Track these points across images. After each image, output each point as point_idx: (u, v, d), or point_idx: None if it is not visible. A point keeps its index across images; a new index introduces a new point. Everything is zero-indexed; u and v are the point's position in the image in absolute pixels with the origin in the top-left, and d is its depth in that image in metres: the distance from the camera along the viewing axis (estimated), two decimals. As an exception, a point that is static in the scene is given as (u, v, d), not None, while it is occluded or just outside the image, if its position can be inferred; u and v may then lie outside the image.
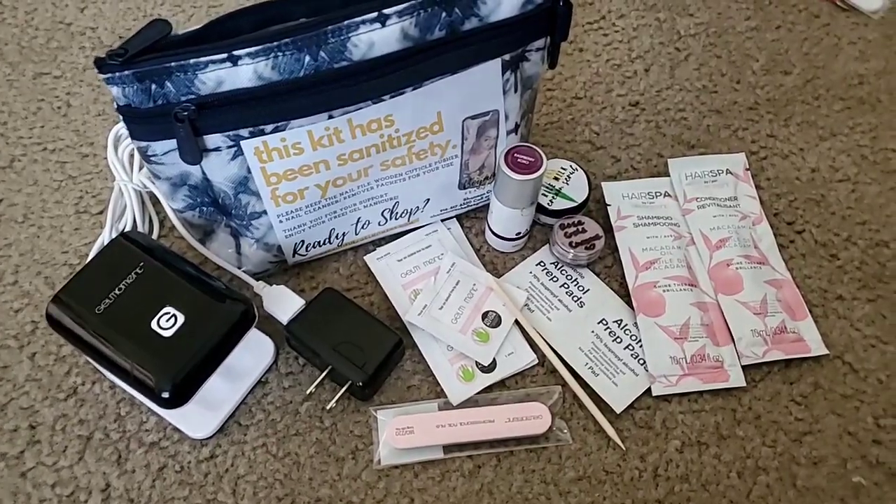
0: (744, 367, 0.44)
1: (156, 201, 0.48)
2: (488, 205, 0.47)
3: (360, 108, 0.37)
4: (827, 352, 0.45)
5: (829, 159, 0.54)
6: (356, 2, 0.37)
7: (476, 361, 0.43)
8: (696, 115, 0.56)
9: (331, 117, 0.37)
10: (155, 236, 0.47)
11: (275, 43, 0.34)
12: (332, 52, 0.35)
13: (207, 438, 0.40)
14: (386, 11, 0.35)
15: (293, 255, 0.44)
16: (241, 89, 0.34)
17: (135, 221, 0.46)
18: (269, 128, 0.36)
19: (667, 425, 0.42)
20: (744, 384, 0.43)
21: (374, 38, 0.35)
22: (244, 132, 0.36)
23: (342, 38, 0.35)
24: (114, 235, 0.46)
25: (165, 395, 0.35)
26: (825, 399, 0.44)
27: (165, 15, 0.59)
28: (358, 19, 0.35)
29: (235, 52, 0.34)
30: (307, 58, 0.35)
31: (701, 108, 0.56)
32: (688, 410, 0.43)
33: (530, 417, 0.41)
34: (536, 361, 0.43)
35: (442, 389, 0.42)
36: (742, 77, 0.58)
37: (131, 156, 0.46)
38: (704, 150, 0.54)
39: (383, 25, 0.35)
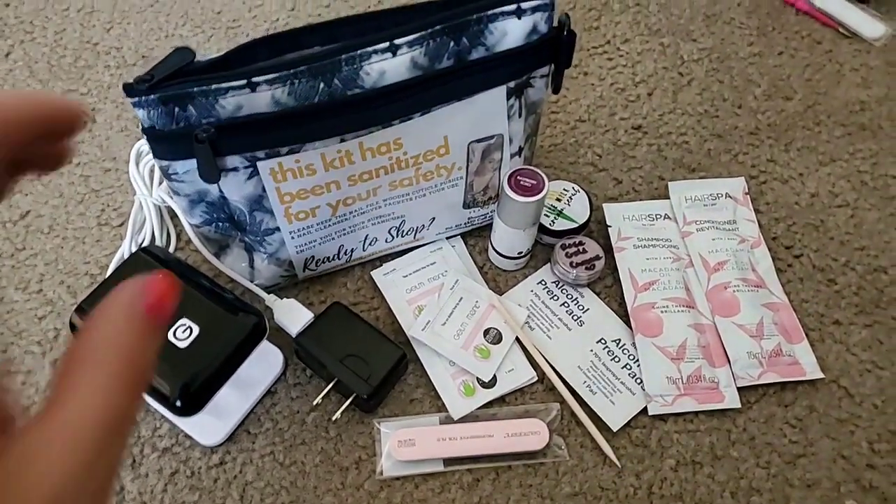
0: (739, 389, 0.45)
1: (174, 216, 0.50)
2: (492, 223, 0.48)
3: (371, 132, 0.39)
4: (822, 376, 0.45)
5: (829, 184, 0.55)
6: (368, 32, 0.39)
7: (477, 377, 0.44)
8: (697, 139, 0.57)
9: (342, 140, 0.39)
10: (172, 249, 0.49)
11: (291, 70, 0.35)
12: (345, 80, 0.37)
13: (218, 445, 0.42)
14: (397, 42, 0.37)
15: (304, 270, 0.46)
16: (259, 114, 0.36)
17: (153, 234, 0.48)
18: (284, 150, 0.38)
19: (662, 444, 0.43)
20: (739, 405, 0.44)
21: (386, 67, 0.37)
22: (261, 154, 0.38)
23: (355, 66, 0.36)
24: (133, 247, 0.48)
25: (179, 403, 0.37)
26: (820, 422, 0.44)
27: (186, 35, 0.61)
28: (370, 49, 0.36)
29: (254, 79, 0.36)
30: (322, 85, 0.36)
31: (702, 133, 0.57)
32: (683, 430, 0.44)
33: (528, 433, 0.42)
34: (536, 379, 0.45)
35: (443, 403, 0.43)
36: (744, 102, 0.59)
37: (151, 171, 0.48)
38: (705, 174, 0.55)
39: (394, 55, 0.37)
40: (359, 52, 0.36)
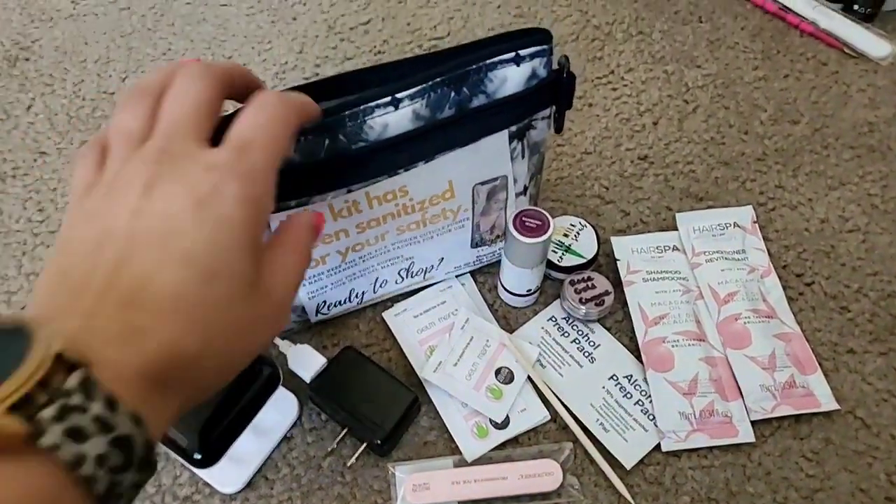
0: (753, 423, 0.45)
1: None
2: (500, 260, 0.49)
3: (377, 182, 0.40)
4: (838, 407, 0.45)
5: (839, 209, 0.55)
6: (372, 84, 0.40)
7: (490, 418, 0.45)
8: (704, 167, 0.57)
9: (349, 191, 0.40)
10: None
11: None
12: (349, 135, 0.38)
13: (237, 493, 0.43)
14: (398, 95, 0.38)
15: (315, 315, 0.47)
16: None
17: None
18: (292, 203, 0.39)
19: (676, 481, 0.43)
20: (753, 440, 0.44)
21: (389, 120, 0.38)
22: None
23: (359, 121, 0.37)
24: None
25: (198, 456, 0.38)
26: (837, 455, 0.44)
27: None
28: (373, 104, 0.37)
29: None
30: (327, 141, 0.37)
31: (709, 161, 0.57)
32: (697, 466, 0.44)
33: (542, 474, 0.42)
34: (549, 418, 0.45)
35: (457, 445, 0.44)
36: (750, 128, 0.59)
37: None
38: (713, 203, 0.55)
39: (396, 108, 0.38)
40: (362, 107, 0.37)
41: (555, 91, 0.41)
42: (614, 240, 0.52)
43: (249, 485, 0.43)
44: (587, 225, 0.51)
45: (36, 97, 0.61)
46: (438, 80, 0.38)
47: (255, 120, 0.27)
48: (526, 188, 0.47)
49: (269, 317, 0.27)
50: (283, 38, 0.66)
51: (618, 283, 0.50)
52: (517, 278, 0.47)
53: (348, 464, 0.43)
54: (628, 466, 0.43)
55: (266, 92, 0.29)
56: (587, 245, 0.50)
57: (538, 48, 0.39)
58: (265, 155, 0.27)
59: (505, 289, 0.49)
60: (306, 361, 0.45)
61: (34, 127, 0.60)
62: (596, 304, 0.48)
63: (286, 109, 0.29)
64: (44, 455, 0.18)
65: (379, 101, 0.37)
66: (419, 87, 0.38)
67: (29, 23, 0.67)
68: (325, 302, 0.46)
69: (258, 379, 0.40)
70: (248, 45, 0.65)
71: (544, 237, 0.44)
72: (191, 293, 0.23)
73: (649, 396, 0.46)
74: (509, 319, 0.50)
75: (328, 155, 0.38)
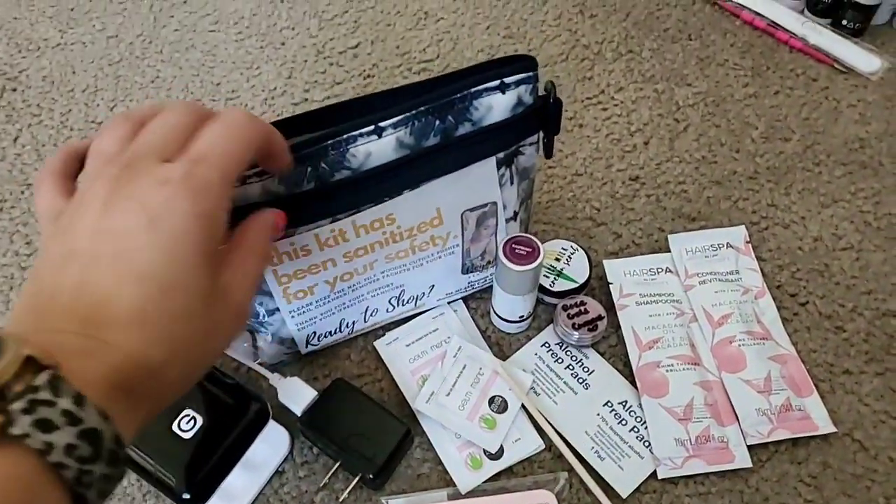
0: (749, 447, 0.44)
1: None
2: (492, 286, 0.48)
3: (363, 210, 0.40)
4: (835, 429, 0.45)
5: (832, 227, 0.54)
6: (357, 116, 0.39)
7: (483, 449, 0.44)
8: (696, 186, 0.57)
9: (335, 220, 0.39)
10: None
11: None
12: (332, 164, 0.37)
13: (227, 530, 0.42)
14: (382, 124, 0.37)
15: (306, 346, 0.47)
16: (251, 203, 0.37)
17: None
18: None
19: (674, 509, 0.43)
20: (750, 465, 0.44)
21: (372, 149, 0.37)
22: None
23: (341, 150, 0.37)
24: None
25: (186, 496, 0.37)
26: (835, 479, 0.44)
27: (187, 109, 0.63)
28: (356, 133, 0.37)
29: (245, 173, 0.36)
30: (309, 170, 0.37)
31: (701, 180, 0.57)
32: (694, 493, 0.43)
33: (537, 505, 0.42)
34: (543, 447, 0.44)
35: (451, 478, 0.43)
36: (741, 146, 0.59)
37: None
38: (705, 223, 0.55)
39: (380, 137, 0.37)
40: (345, 136, 0.37)
41: (542, 117, 0.41)
42: (606, 263, 0.52)
43: (241, 522, 0.42)
44: (579, 248, 0.51)
45: (23, 128, 0.61)
46: (423, 108, 0.38)
47: (212, 134, 0.28)
48: (516, 213, 0.46)
49: (228, 321, 0.28)
50: (272, 64, 0.65)
51: (611, 307, 0.50)
52: (509, 305, 0.47)
53: (340, 498, 0.42)
54: (624, 495, 0.43)
55: (232, 109, 0.31)
56: (579, 269, 0.50)
57: (523, 75, 0.39)
58: (219, 170, 0.27)
59: (497, 315, 0.49)
60: (297, 394, 0.44)
61: (21, 158, 0.59)
62: (589, 330, 0.47)
63: (248, 129, 0.29)
64: (16, 444, 0.20)
65: (362, 130, 0.37)
66: (403, 116, 0.37)
67: (16, 52, 0.67)
68: (314, 333, 0.46)
69: (246, 415, 0.40)
70: (237, 70, 0.65)
71: (534, 264, 0.43)
72: (150, 308, 0.25)
73: (644, 423, 0.45)
74: (502, 346, 0.49)
75: (311, 185, 0.37)
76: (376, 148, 0.37)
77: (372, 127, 0.37)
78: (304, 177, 0.37)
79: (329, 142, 0.37)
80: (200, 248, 0.26)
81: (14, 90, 0.64)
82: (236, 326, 0.29)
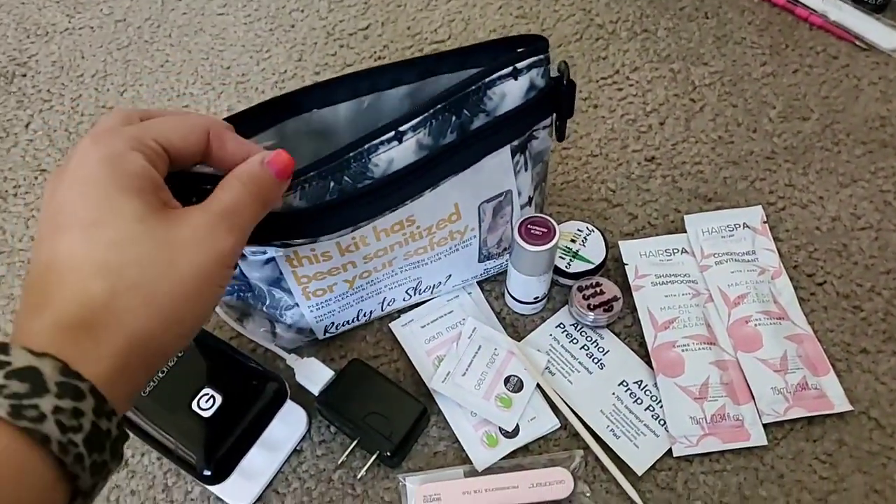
0: (765, 426, 0.44)
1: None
2: (507, 269, 0.48)
3: (383, 215, 0.39)
4: (851, 408, 0.45)
5: (851, 207, 0.54)
6: (363, 90, 0.39)
7: (500, 427, 0.44)
8: (712, 167, 0.56)
9: (356, 228, 0.39)
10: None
11: (301, 178, 0.35)
12: (354, 175, 0.36)
13: (248, 507, 0.43)
14: (401, 129, 0.36)
15: (324, 334, 0.47)
16: (272, 216, 0.35)
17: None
18: (298, 241, 0.38)
19: (689, 486, 0.43)
20: (765, 443, 0.44)
21: (393, 155, 0.37)
22: (276, 242, 0.38)
23: (363, 160, 0.36)
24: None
25: (207, 473, 0.38)
26: (851, 456, 0.44)
27: (197, 94, 0.63)
28: (377, 141, 0.36)
29: None
30: (332, 184, 0.36)
31: (717, 160, 0.57)
32: (709, 471, 0.43)
33: (553, 483, 0.42)
34: (559, 426, 0.45)
35: (467, 455, 0.44)
36: (759, 125, 0.58)
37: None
38: (722, 204, 0.54)
39: (400, 142, 0.36)
40: (366, 146, 0.36)
41: (555, 100, 0.40)
42: (622, 244, 0.52)
43: (260, 499, 0.43)
44: (594, 230, 0.51)
45: (34, 114, 0.62)
46: (439, 106, 0.37)
47: (167, 120, 0.31)
48: (531, 198, 0.46)
49: (190, 244, 0.28)
50: (282, 46, 0.65)
51: (626, 288, 0.50)
52: (524, 286, 0.47)
53: (358, 476, 0.43)
54: (640, 473, 0.43)
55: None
56: (595, 250, 0.50)
57: (535, 58, 0.38)
58: (116, 121, 0.30)
59: (512, 297, 0.49)
60: (314, 375, 0.45)
61: (33, 144, 0.60)
62: (605, 310, 0.47)
63: (193, 115, 0.33)
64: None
65: (383, 138, 0.36)
66: (421, 117, 0.36)
67: (24, 38, 0.67)
68: (332, 323, 0.46)
69: (264, 395, 0.40)
70: (247, 54, 0.65)
71: (550, 244, 0.43)
72: (77, 247, 0.27)
73: (660, 402, 0.45)
74: (517, 327, 0.49)
75: (334, 198, 0.37)
76: (397, 153, 0.37)
77: (392, 133, 0.36)
78: (326, 190, 0.36)
79: (351, 154, 0.36)
80: (117, 184, 0.27)
81: (24, 76, 0.64)
82: (207, 249, 0.28)
